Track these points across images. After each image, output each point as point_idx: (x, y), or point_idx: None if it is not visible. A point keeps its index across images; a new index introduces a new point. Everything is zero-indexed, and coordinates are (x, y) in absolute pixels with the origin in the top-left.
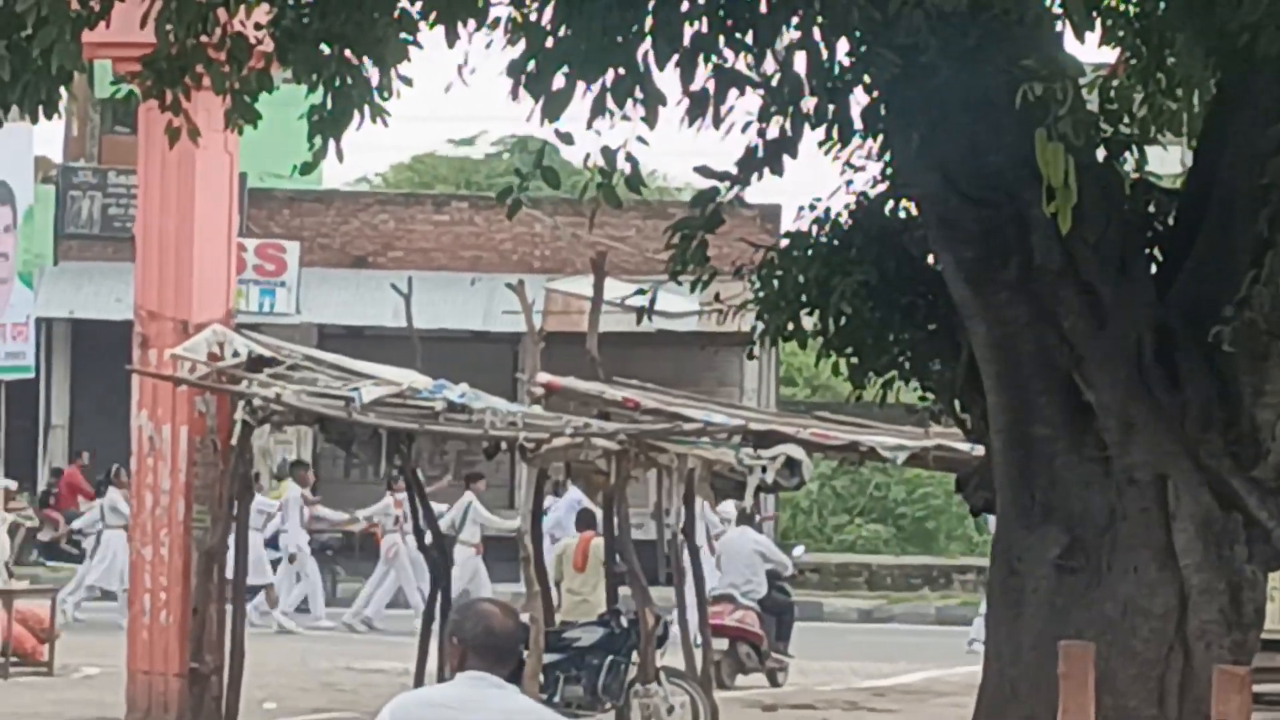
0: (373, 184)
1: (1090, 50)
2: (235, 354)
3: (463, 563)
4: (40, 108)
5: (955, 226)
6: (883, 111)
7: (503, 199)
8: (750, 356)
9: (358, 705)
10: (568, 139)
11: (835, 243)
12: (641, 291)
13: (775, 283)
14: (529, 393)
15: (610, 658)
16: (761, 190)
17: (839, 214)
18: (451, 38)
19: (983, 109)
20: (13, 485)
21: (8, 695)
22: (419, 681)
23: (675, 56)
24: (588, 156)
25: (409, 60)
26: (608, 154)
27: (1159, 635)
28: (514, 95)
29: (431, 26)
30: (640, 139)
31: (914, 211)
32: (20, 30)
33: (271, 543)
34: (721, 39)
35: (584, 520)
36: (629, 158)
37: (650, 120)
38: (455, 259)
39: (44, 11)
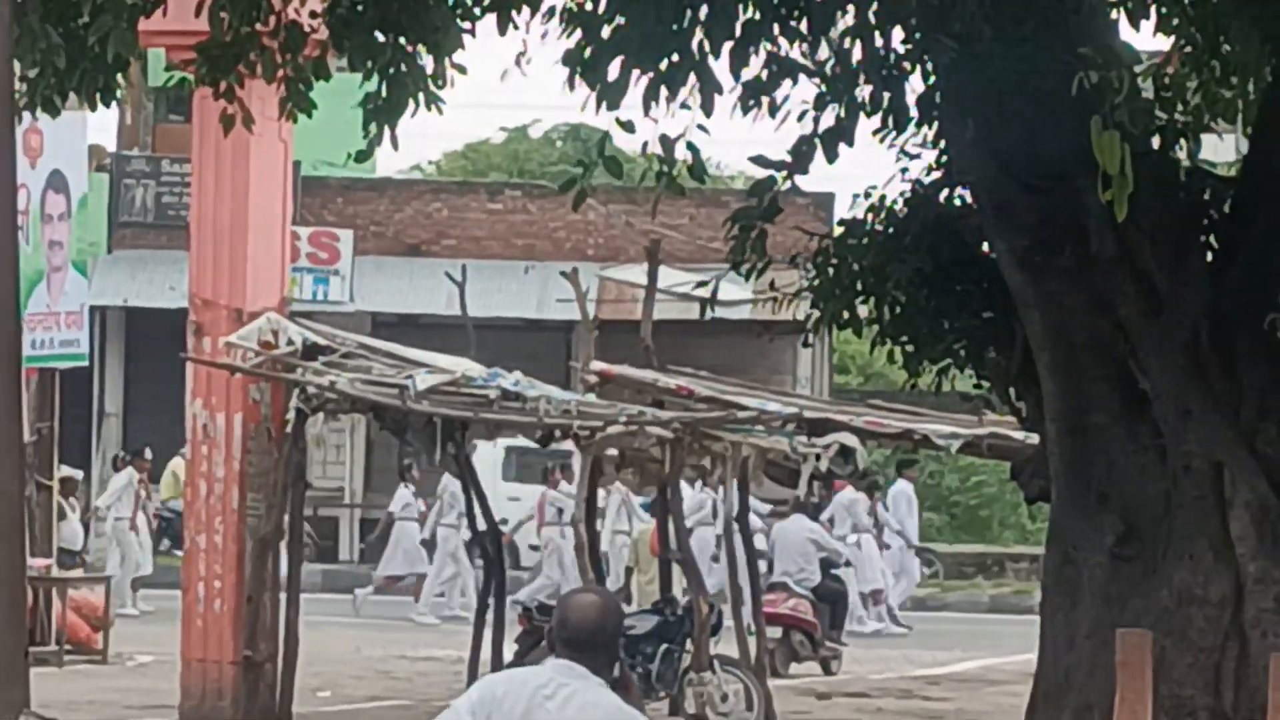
0: (426, 172)
1: (1145, 38)
2: (289, 342)
3: (616, 552)
4: (97, 95)
5: (1010, 214)
6: (938, 99)
7: (566, 189)
8: (805, 344)
9: (412, 693)
10: (629, 128)
11: (890, 230)
12: (703, 283)
13: (830, 270)
14: (583, 381)
15: (664, 646)
16: (813, 178)
17: (894, 202)
18: (504, 26)
19: (1038, 97)
20: (79, 475)
21: (63, 683)
22: (472, 669)
23: (729, 44)
24: (645, 145)
25: (463, 48)
26: (666, 142)
27: (1214, 623)
28: (570, 84)
29: (482, 15)
30: (701, 127)
31: (969, 199)
32: (77, 18)
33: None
34: (775, 27)
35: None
36: (689, 146)
37: (706, 108)
38: (509, 247)
39: (100, 1)
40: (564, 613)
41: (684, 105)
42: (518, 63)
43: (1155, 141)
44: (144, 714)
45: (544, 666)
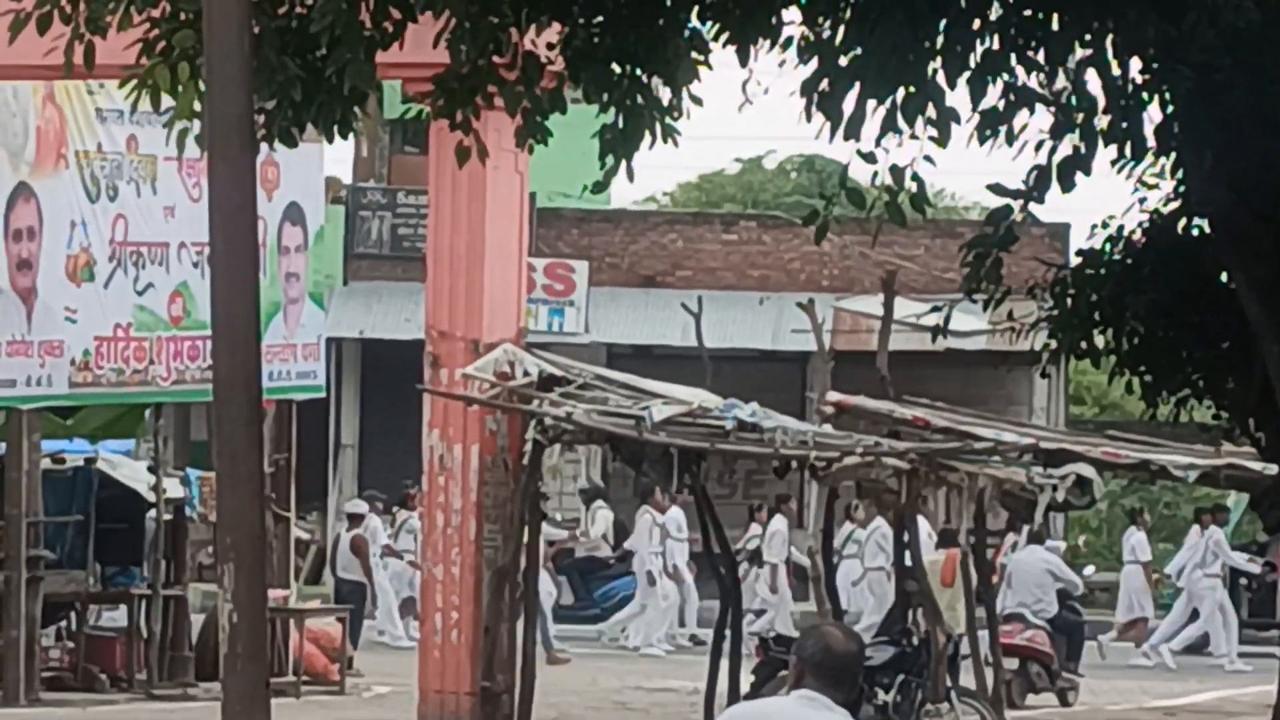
0: (660, 203)
1: None
2: (526, 373)
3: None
4: (334, 128)
5: (1247, 244)
6: (1176, 129)
7: (809, 222)
8: (1042, 375)
9: None
10: (870, 159)
11: (1128, 261)
12: (936, 309)
13: (1068, 301)
14: (819, 411)
15: (901, 676)
16: (1049, 208)
17: (1132, 232)
18: (743, 57)
19: (1276, 126)
20: (364, 508)
21: (300, 715)
22: (709, 700)
23: (966, 74)
24: (875, 175)
25: (699, 80)
26: (897, 172)
27: None
28: (807, 115)
29: (724, 46)
30: (928, 158)
31: (1207, 229)
32: (314, 50)
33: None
34: (1013, 57)
35: (947, 538)
36: (915, 177)
37: (943, 139)
38: (744, 278)
39: (338, 32)
40: (825, 643)
41: (913, 136)
42: (744, 89)
43: None
44: None
45: (788, 699)
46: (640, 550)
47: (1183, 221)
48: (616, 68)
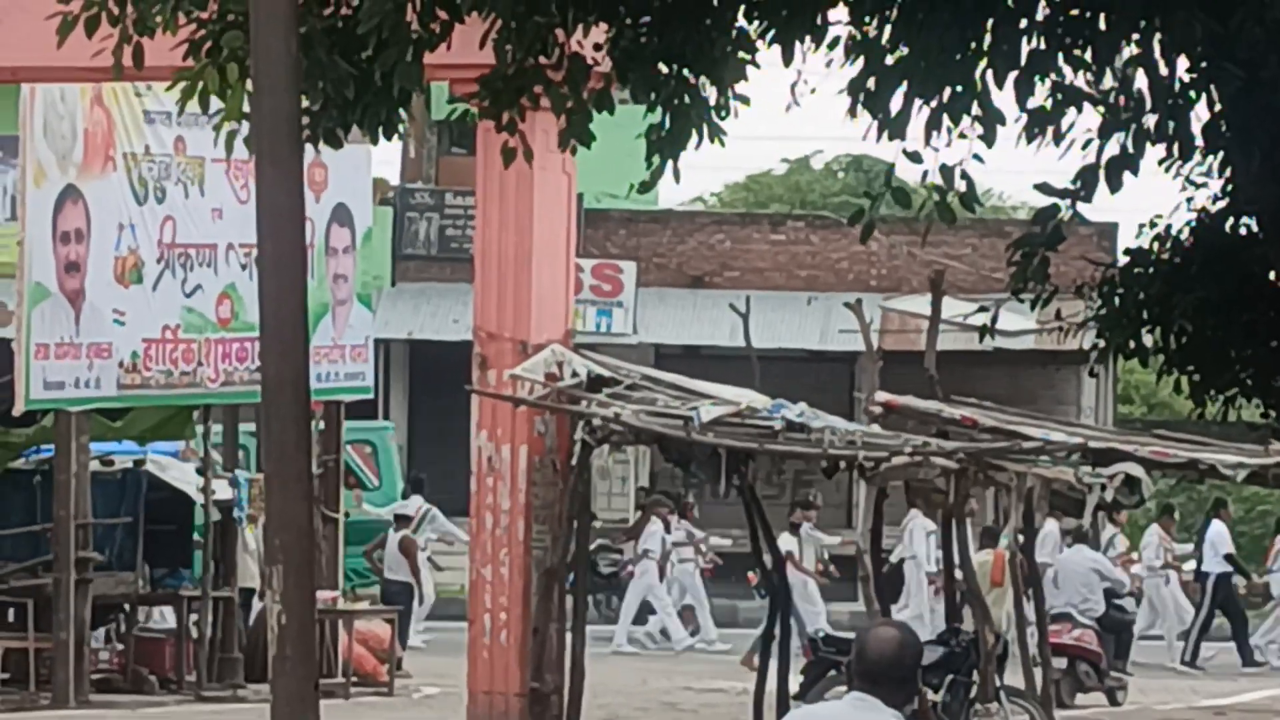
0: (708, 204)
1: None
2: (574, 374)
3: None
4: (380, 129)
5: None
6: (1224, 127)
7: (854, 222)
8: (1091, 374)
9: None
10: (916, 158)
11: (1176, 260)
12: (984, 309)
13: (1116, 300)
14: (867, 411)
15: (950, 676)
16: (1097, 208)
17: (1179, 231)
18: (789, 56)
19: None
20: (412, 509)
21: (349, 716)
22: (758, 701)
23: (1014, 74)
24: (925, 174)
25: (746, 80)
26: (946, 171)
27: None
28: (851, 113)
29: (769, 45)
30: (976, 157)
31: (1255, 228)
32: (361, 51)
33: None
34: (1060, 56)
35: (990, 537)
36: (964, 176)
37: (989, 138)
38: (791, 278)
39: (385, 34)
40: (862, 646)
41: (962, 135)
42: (792, 90)
43: None
44: None
45: (842, 701)
46: (918, 556)
47: (1231, 220)
48: (663, 68)
